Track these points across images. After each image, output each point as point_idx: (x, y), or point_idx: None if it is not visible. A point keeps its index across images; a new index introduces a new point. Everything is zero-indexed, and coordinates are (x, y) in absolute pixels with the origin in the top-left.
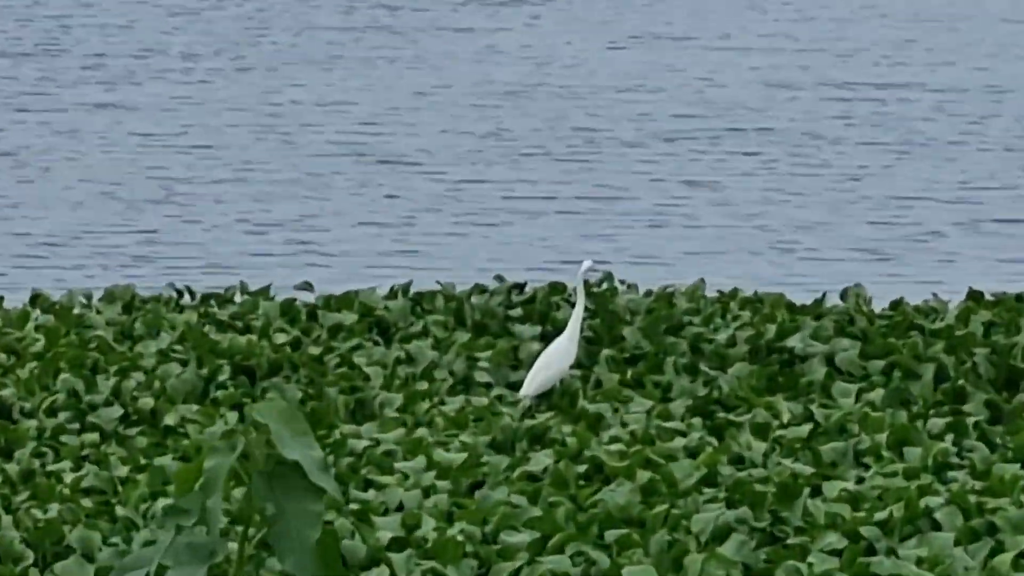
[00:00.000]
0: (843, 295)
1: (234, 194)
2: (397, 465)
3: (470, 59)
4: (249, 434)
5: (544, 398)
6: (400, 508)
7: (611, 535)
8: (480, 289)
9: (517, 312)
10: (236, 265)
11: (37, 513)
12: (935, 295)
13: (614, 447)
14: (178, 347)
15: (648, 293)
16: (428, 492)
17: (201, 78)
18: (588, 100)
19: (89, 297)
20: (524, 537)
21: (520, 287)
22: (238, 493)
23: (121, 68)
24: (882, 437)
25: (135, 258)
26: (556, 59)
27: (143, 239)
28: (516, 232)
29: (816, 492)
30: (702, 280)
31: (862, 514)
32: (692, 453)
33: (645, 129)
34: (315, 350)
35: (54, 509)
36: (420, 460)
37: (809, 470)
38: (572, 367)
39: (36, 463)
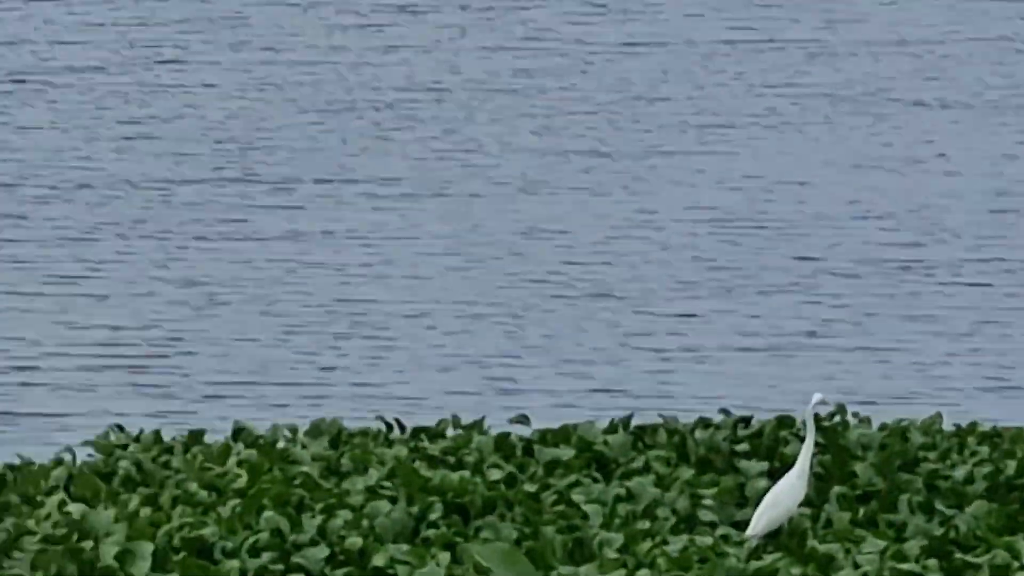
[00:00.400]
0: None
1: (437, 325)
2: None
3: (680, 184)
4: None
5: (771, 538)
6: None
7: None
8: (704, 423)
9: (743, 447)
10: (442, 399)
11: None
12: None
13: None
14: (387, 483)
15: (882, 427)
16: None
17: (395, 205)
18: (804, 228)
19: (294, 431)
20: None
21: (746, 421)
22: None
23: (308, 194)
24: None
25: (340, 390)
26: (766, 183)
27: (347, 371)
28: (739, 365)
29: None
30: (939, 414)
31: None
32: None
33: (865, 257)
34: (531, 487)
35: None
36: None
37: None
38: (801, 505)
39: None
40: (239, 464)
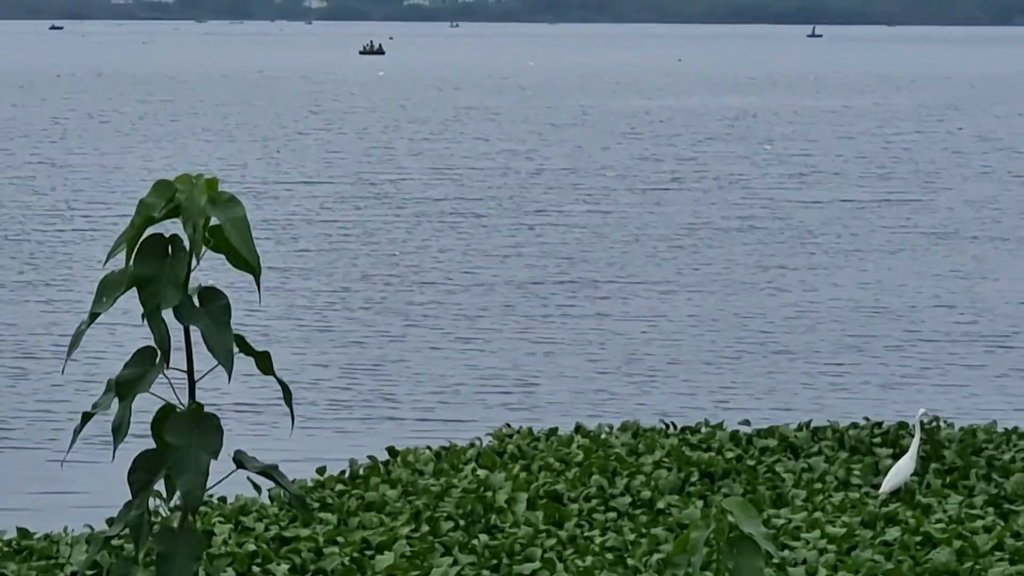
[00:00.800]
0: None
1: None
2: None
3: None
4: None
5: (894, 494)
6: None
7: None
8: (854, 425)
9: (877, 440)
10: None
11: None
12: None
13: (938, 525)
14: (666, 459)
15: (960, 429)
16: (821, 552)
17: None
18: None
19: (611, 427)
20: None
21: (880, 424)
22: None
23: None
24: None
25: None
26: None
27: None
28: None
29: None
30: (994, 422)
31: None
32: (988, 529)
33: None
34: (750, 462)
35: None
36: (816, 532)
37: None
38: (912, 475)
39: None
40: (577, 447)
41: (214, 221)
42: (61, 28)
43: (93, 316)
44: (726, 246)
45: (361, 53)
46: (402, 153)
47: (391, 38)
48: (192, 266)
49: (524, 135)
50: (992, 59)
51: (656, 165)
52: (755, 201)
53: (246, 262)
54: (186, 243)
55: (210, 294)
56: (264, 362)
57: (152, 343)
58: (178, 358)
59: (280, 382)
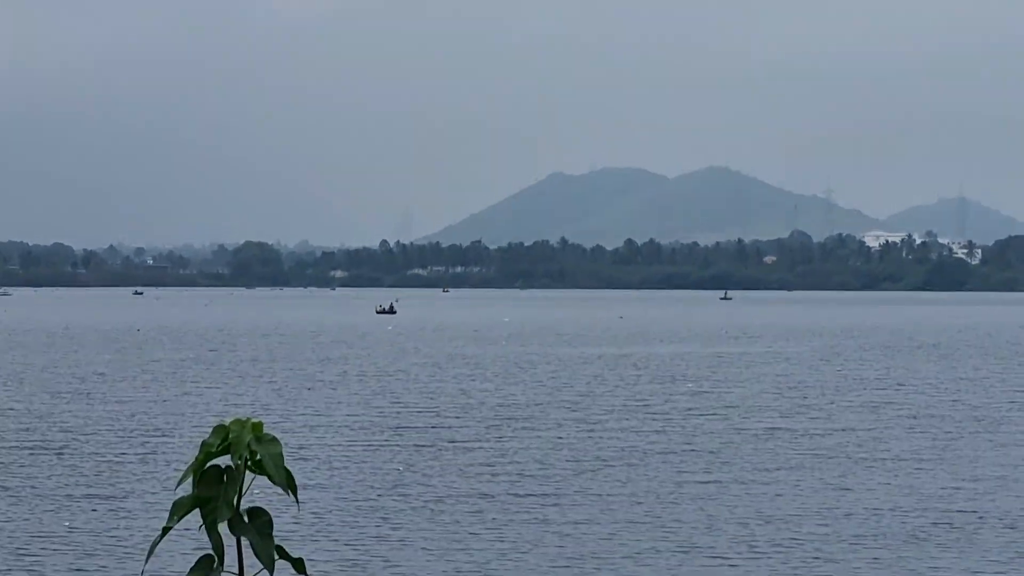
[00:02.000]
0: None
1: None
2: None
3: None
4: None
5: None
6: None
7: None
8: None
9: None
10: None
11: None
12: None
13: None
14: None
15: None
16: None
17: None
18: None
19: None
20: None
21: None
22: None
23: None
24: None
25: None
26: None
27: None
28: None
29: None
30: None
31: None
32: None
33: None
34: None
35: None
36: None
37: None
38: None
39: None
40: None
41: (258, 456)
42: (142, 293)
43: (165, 530)
44: (652, 464)
45: (377, 312)
46: (401, 391)
47: (397, 300)
48: (242, 490)
49: (501, 374)
50: (861, 315)
51: (600, 400)
52: (673, 427)
53: (280, 486)
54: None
55: (256, 512)
56: (299, 566)
57: (211, 551)
58: (233, 563)
59: None
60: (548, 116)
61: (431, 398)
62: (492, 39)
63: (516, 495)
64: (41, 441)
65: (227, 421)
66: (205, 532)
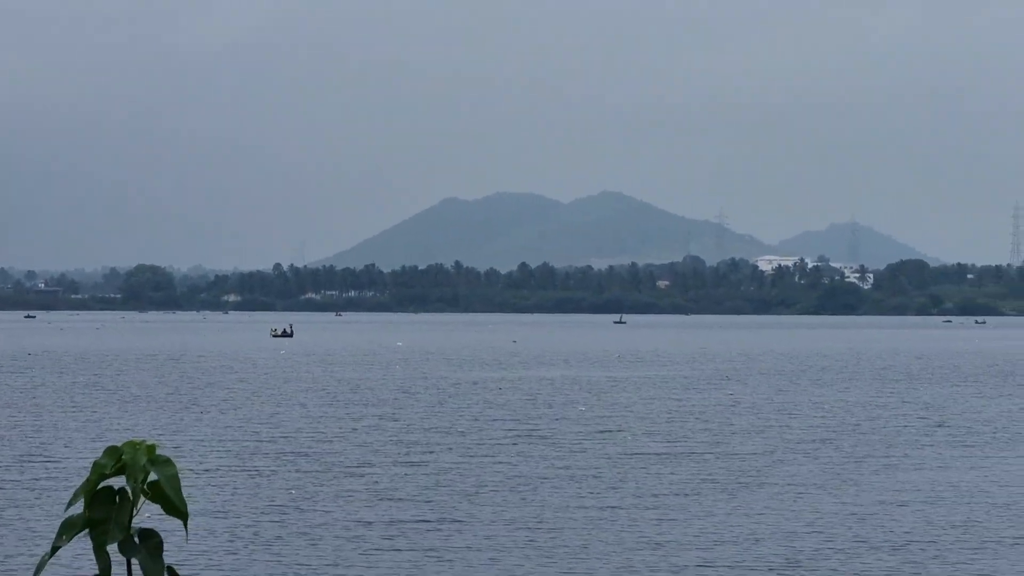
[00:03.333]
0: None
1: None
2: None
3: None
4: None
5: None
6: None
7: None
8: None
9: None
10: None
11: None
12: None
13: None
14: None
15: None
16: None
17: None
18: None
19: None
20: None
21: None
22: None
23: None
24: None
25: None
26: None
27: None
28: None
29: None
30: None
31: None
32: None
33: None
34: None
35: None
36: None
37: None
38: None
39: None
40: None
41: (153, 477)
42: (34, 317)
43: (55, 549)
44: (539, 489)
45: (273, 336)
46: (292, 416)
47: (291, 325)
48: (134, 512)
49: (391, 399)
50: (754, 339)
51: (490, 424)
52: (568, 453)
53: (176, 511)
54: (130, 495)
55: (147, 533)
56: None
57: (97, 573)
58: None
59: None
60: (443, 143)
61: (321, 423)
62: (391, 70)
63: (402, 520)
64: None
65: (120, 443)
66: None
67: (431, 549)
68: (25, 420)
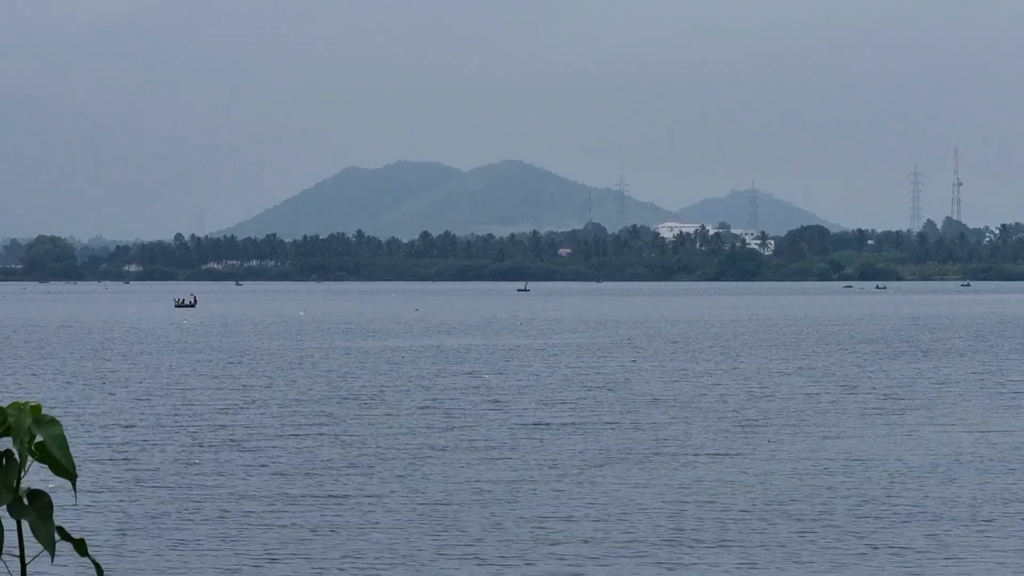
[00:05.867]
0: None
1: None
2: None
3: None
4: None
5: None
6: None
7: None
8: None
9: None
10: None
11: None
12: None
13: None
14: None
15: None
16: None
17: None
18: None
19: None
20: None
21: None
22: None
23: None
24: None
25: None
26: None
27: None
28: None
29: None
30: None
31: None
32: None
33: None
34: None
35: None
36: None
37: None
38: None
39: None
40: None
41: (39, 439)
42: None
43: None
44: (439, 461)
45: (176, 306)
46: (192, 386)
47: (193, 295)
48: (21, 474)
49: (290, 368)
50: (657, 305)
51: (390, 395)
52: (464, 423)
53: (65, 470)
54: (17, 456)
55: (36, 495)
56: (80, 547)
57: None
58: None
59: (94, 563)
60: (343, 112)
61: (220, 392)
62: (284, 41)
63: (293, 494)
64: None
65: (4, 405)
66: None
67: (322, 525)
68: None
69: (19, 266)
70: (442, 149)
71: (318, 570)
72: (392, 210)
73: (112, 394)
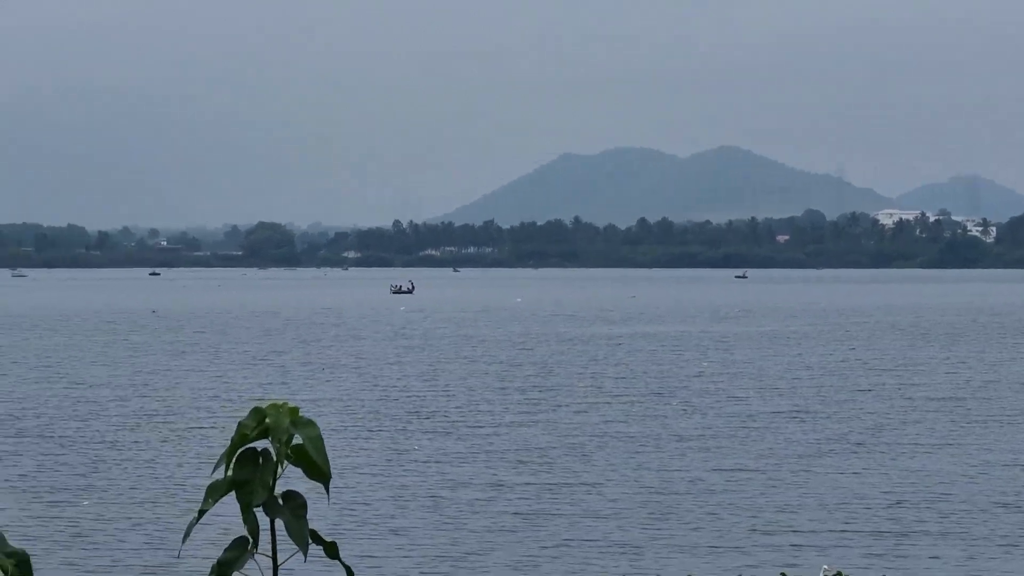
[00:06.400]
0: None
1: None
2: None
3: None
4: None
5: None
6: None
7: None
8: None
9: None
10: None
11: None
12: None
13: None
14: None
15: None
16: None
17: None
18: None
19: None
20: None
21: None
22: None
23: None
24: None
25: None
26: None
27: None
28: None
29: None
30: None
31: None
32: None
33: None
34: None
35: None
36: None
37: None
38: None
39: None
40: None
41: (296, 440)
42: (159, 274)
43: (201, 513)
44: (656, 449)
45: (393, 292)
46: (413, 374)
47: (411, 281)
48: (278, 473)
49: (509, 354)
50: (872, 294)
51: (614, 382)
52: (682, 410)
53: (320, 472)
54: (273, 456)
55: (291, 495)
56: (331, 550)
57: (245, 533)
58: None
59: (345, 566)
60: (560, 97)
61: (435, 379)
62: (503, 27)
63: (508, 482)
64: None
65: (264, 404)
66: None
67: (536, 513)
68: (157, 381)
69: (239, 252)
70: (659, 135)
71: (531, 558)
72: (608, 196)
73: (328, 381)
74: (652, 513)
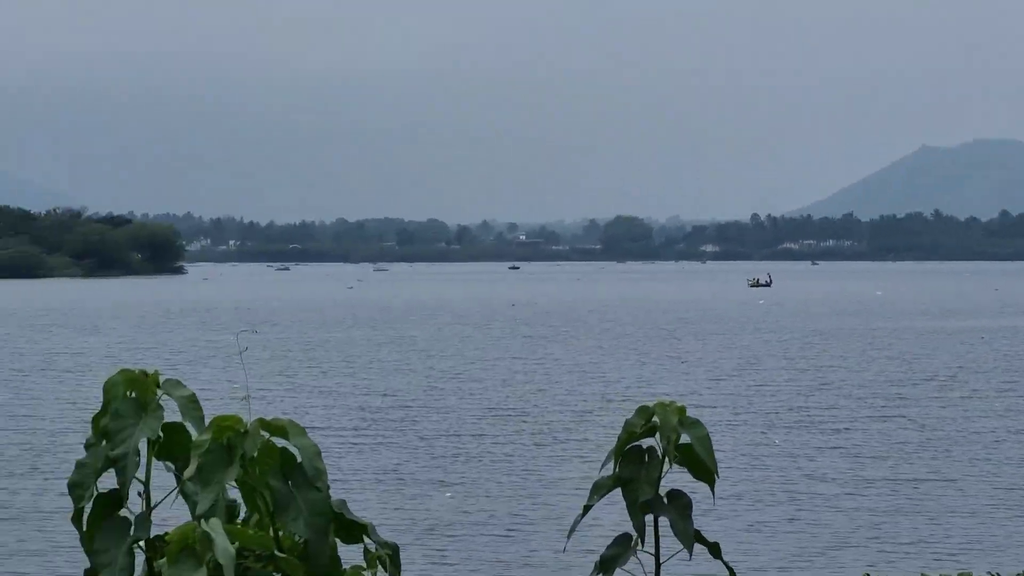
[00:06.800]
0: None
1: None
2: None
3: None
4: None
5: None
6: None
7: None
8: None
9: None
10: None
11: None
12: None
13: None
14: None
15: None
16: None
17: None
18: None
19: None
20: None
21: None
22: None
23: None
24: None
25: None
26: None
27: None
28: None
29: None
30: None
31: None
32: None
33: None
34: None
35: None
36: None
37: None
38: None
39: None
40: None
41: (684, 439)
42: (518, 268)
43: (586, 508)
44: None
45: (750, 286)
46: (772, 368)
47: (769, 274)
48: (664, 471)
49: (859, 351)
50: None
51: (974, 376)
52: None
53: (707, 472)
54: (660, 452)
55: (675, 494)
56: (715, 550)
57: (629, 530)
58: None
59: (727, 565)
60: (918, 90)
61: (794, 373)
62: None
63: (867, 477)
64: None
65: (651, 403)
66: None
67: (895, 509)
68: (532, 371)
69: (597, 246)
70: (1021, 126)
71: (888, 554)
72: (968, 189)
73: (687, 374)
74: (1013, 510)
